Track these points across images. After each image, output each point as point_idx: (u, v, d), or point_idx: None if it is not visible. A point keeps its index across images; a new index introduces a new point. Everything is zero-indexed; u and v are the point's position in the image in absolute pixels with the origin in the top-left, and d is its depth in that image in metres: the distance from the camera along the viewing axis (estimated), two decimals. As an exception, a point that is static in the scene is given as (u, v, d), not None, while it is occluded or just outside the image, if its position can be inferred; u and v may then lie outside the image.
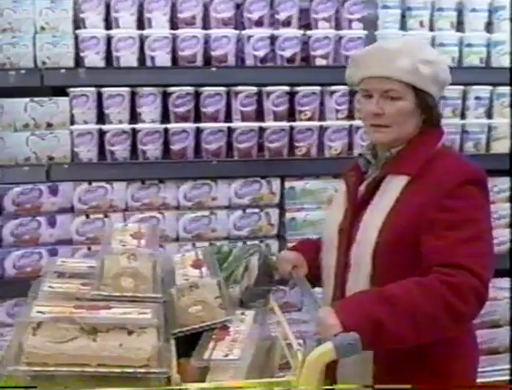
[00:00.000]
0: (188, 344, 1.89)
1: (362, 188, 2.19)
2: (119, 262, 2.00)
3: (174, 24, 3.36)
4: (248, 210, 3.45)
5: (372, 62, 2.11)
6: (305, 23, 3.48)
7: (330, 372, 2.11)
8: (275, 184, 3.46)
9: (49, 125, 3.27)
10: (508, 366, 3.63)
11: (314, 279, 2.30)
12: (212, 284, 2.02)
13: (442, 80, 2.14)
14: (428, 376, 2.05)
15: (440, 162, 2.08)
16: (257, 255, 2.30)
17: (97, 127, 3.30)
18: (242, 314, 2.05)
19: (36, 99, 3.26)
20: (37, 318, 1.75)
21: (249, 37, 3.37)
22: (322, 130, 3.47)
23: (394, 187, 2.08)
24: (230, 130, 3.38)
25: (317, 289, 2.30)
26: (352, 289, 2.07)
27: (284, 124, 3.43)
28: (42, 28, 3.26)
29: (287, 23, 3.44)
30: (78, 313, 1.78)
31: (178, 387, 1.68)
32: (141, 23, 3.34)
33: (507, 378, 3.56)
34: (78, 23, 3.30)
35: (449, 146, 2.22)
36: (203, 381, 1.75)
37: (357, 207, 2.16)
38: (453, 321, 1.89)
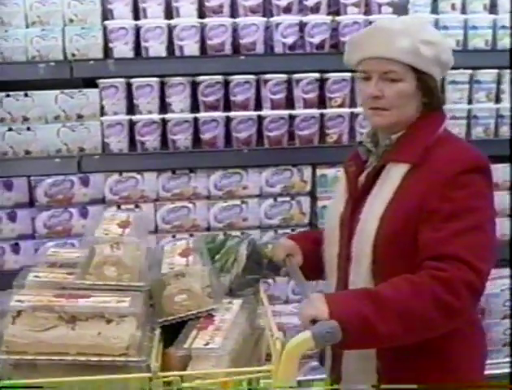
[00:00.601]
0: (176, 333, 1.87)
1: (362, 177, 2.12)
2: (102, 251, 1.98)
3: (202, 13, 3.35)
4: (279, 199, 3.43)
5: (371, 42, 2.04)
6: (334, 9, 3.45)
7: (336, 367, 2.12)
8: (307, 171, 3.44)
9: (79, 117, 3.30)
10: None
11: (309, 271, 2.23)
12: (198, 273, 1.99)
13: (444, 61, 2.05)
14: (433, 372, 1.99)
15: (441, 148, 2.00)
16: (245, 244, 2.25)
17: (127, 117, 3.31)
18: (229, 302, 2.01)
19: (66, 91, 3.28)
20: (15, 307, 1.75)
21: (278, 25, 3.34)
22: (353, 116, 3.43)
23: (394, 176, 2.01)
24: (260, 118, 3.36)
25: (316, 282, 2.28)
26: (354, 282, 2.03)
27: (315, 111, 3.40)
28: (71, 21, 3.29)
29: (315, 9, 3.41)
30: (57, 301, 1.77)
31: (146, 375, 1.66)
32: (168, 13, 3.35)
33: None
34: (106, 15, 3.32)
35: (450, 131, 2.12)
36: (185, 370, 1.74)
37: (357, 198, 2.10)
38: (446, 317, 1.83)
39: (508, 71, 3.51)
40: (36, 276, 1.99)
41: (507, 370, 3.33)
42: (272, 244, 2.41)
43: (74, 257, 2.14)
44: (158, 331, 1.87)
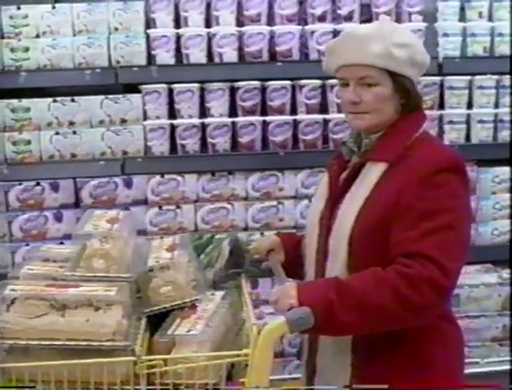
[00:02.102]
0: (162, 323, 1.98)
1: (343, 176, 2.15)
2: (92, 244, 2.08)
3: (240, 22, 3.48)
4: (314, 200, 3.53)
5: (345, 49, 2.06)
6: (367, 17, 3.57)
7: (311, 361, 2.17)
8: (340, 174, 3.54)
9: (123, 121, 3.43)
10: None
11: (291, 268, 2.27)
12: (183, 266, 2.08)
13: (420, 62, 2.07)
14: (408, 366, 2.01)
15: (418, 148, 2.03)
16: (228, 239, 2.34)
17: (169, 122, 3.44)
18: (212, 294, 2.11)
19: (110, 96, 3.42)
20: (9, 295, 1.87)
21: (313, 32, 3.47)
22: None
23: (372, 174, 2.03)
24: (296, 122, 3.48)
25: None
26: (330, 276, 2.03)
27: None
28: (116, 29, 3.43)
29: (349, 17, 3.54)
30: (48, 291, 1.88)
31: (130, 359, 1.76)
32: (208, 22, 3.48)
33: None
34: (149, 23, 3.46)
35: (429, 132, 2.16)
36: None
37: (336, 195, 2.12)
38: (407, 311, 1.86)
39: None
40: (29, 269, 2.11)
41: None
42: (256, 240, 2.49)
43: (66, 253, 2.25)
44: (144, 321, 1.98)
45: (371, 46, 2.01)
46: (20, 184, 3.39)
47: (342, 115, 3.40)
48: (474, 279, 3.57)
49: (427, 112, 2.19)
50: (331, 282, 1.92)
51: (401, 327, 1.93)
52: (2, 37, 3.41)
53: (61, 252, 2.30)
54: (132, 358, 1.76)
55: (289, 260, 2.33)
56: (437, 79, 3.54)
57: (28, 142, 3.38)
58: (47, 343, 1.78)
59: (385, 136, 2.08)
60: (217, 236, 2.44)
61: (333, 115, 3.51)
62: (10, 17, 3.40)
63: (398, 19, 3.56)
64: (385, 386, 1.78)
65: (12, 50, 3.39)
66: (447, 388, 2.08)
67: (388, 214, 1.96)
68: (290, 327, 1.79)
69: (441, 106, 3.59)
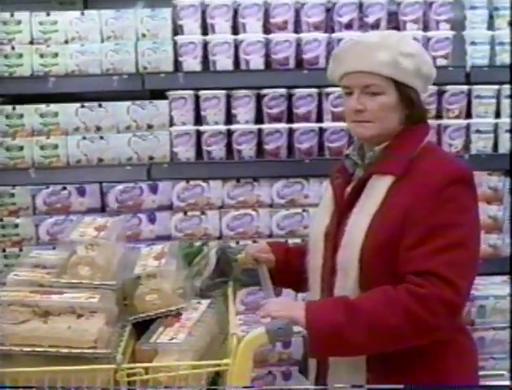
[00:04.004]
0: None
1: (349, 189, 2.12)
2: (78, 251, 2.08)
3: (267, 29, 3.49)
4: (339, 208, 3.52)
5: (351, 57, 2.04)
6: (394, 25, 3.55)
7: (321, 380, 2.13)
8: (365, 182, 3.53)
9: (149, 127, 3.45)
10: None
11: (280, 278, 2.28)
12: (170, 274, 2.08)
13: (426, 73, 2.05)
14: (425, 380, 1.98)
15: (425, 161, 2.00)
16: (216, 248, 2.33)
17: (195, 128, 3.45)
18: (198, 302, 2.10)
19: (137, 102, 3.44)
20: None
21: (339, 40, 3.45)
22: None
23: (379, 188, 2.00)
24: (321, 130, 3.48)
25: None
26: (340, 294, 2.01)
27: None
28: (143, 36, 3.46)
29: (376, 25, 3.52)
30: (32, 297, 1.89)
31: (110, 366, 1.75)
32: (235, 29, 3.49)
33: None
34: (176, 30, 3.48)
35: (434, 143, 2.15)
36: None
37: (342, 210, 2.09)
38: (419, 332, 1.86)
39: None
40: (15, 275, 2.12)
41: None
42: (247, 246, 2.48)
43: (55, 259, 2.24)
44: (128, 328, 1.98)
45: (378, 54, 2.00)
46: (47, 188, 3.42)
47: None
48: (500, 290, 3.53)
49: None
50: (340, 303, 1.91)
51: (410, 346, 1.91)
52: (32, 43, 3.45)
53: (50, 258, 2.29)
54: (113, 366, 1.75)
55: (279, 267, 2.32)
56: (465, 88, 3.51)
57: (56, 147, 3.42)
58: (29, 349, 1.79)
59: (390, 148, 2.06)
60: (207, 245, 2.44)
61: (359, 123, 3.49)
62: (40, 23, 3.44)
63: (426, 28, 3.55)
64: (400, 386, 1.84)
65: (41, 56, 3.43)
66: (459, 388, 2.04)
67: (397, 229, 1.93)
68: (270, 338, 1.78)
69: (468, 115, 3.56)
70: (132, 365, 1.80)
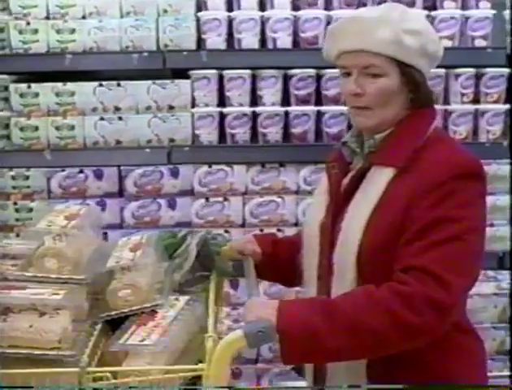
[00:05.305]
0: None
1: (346, 180, 1.92)
2: (44, 242, 1.92)
3: (295, 6, 3.33)
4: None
5: (349, 34, 1.83)
6: (430, 3, 3.39)
7: (319, 384, 1.94)
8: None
9: (170, 108, 3.31)
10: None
11: (266, 271, 2.13)
12: (147, 268, 1.92)
13: (432, 52, 1.85)
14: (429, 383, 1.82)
15: (430, 151, 1.80)
16: (196, 240, 2.14)
17: (218, 109, 3.31)
18: (176, 299, 1.92)
19: (158, 82, 3.30)
20: None
21: (372, 18, 3.28)
22: (446, 114, 3.34)
23: (379, 180, 1.81)
24: (351, 113, 3.31)
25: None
26: (338, 293, 1.83)
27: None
28: (165, 11, 3.30)
29: (411, 3, 3.34)
30: None
31: (72, 370, 1.60)
32: (262, 5, 3.33)
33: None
34: (200, 6, 3.32)
35: (442, 130, 1.94)
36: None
37: (339, 203, 1.90)
38: (404, 334, 1.67)
39: None
40: None
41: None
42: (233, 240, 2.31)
43: (25, 249, 2.06)
44: (99, 326, 1.82)
45: (379, 31, 1.79)
46: (63, 171, 3.29)
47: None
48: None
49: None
50: (317, 302, 1.74)
51: (401, 351, 1.72)
52: (48, 18, 3.31)
53: (21, 248, 2.11)
54: (76, 370, 1.59)
55: (265, 260, 2.15)
56: (505, 70, 3.32)
57: (72, 128, 3.28)
58: None
59: (392, 137, 1.86)
60: (191, 235, 2.22)
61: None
62: (57, -4, 3.29)
63: (464, 6, 3.37)
64: (400, 386, 1.66)
65: (58, 32, 3.28)
66: (459, 388, 1.85)
67: (398, 226, 1.76)
68: (249, 342, 1.60)
69: (508, 99, 3.37)
70: (98, 368, 1.64)
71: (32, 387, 1.60)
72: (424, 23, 1.90)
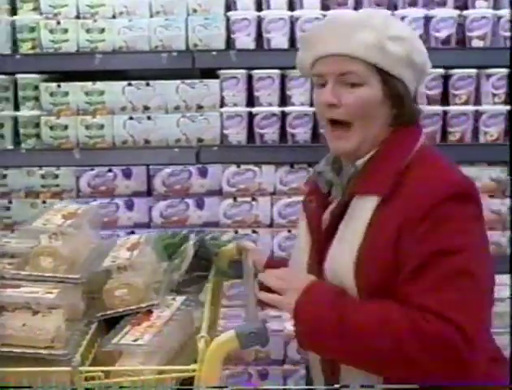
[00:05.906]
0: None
1: (326, 215, 1.75)
2: (41, 241, 1.90)
3: (325, 5, 3.30)
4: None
5: (325, 38, 1.66)
6: (462, 2, 3.35)
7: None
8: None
9: (199, 107, 3.30)
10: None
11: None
12: (144, 267, 1.90)
13: (417, 62, 1.68)
14: None
15: (416, 173, 1.63)
16: (193, 240, 2.11)
17: (247, 109, 3.29)
18: (173, 299, 1.90)
19: (187, 81, 3.29)
20: None
21: (403, 18, 3.23)
22: (477, 115, 3.30)
23: (362, 212, 1.64)
24: (381, 113, 3.27)
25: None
26: None
27: (438, 108, 3.29)
28: (194, 11, 3.29)
29: (442, 2, 3.32)
30: None
31: (64, 369, 1.58)
32: (292, 5, 3.31)
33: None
34: (229, 5, 3.31)
35: (430, 149, 1.75)
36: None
37: (321, 242, 1.72)
38: (404, 365, 1.55)
39: None
40: None
41: None
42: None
43: (23, 248, 2.02)
44: (94, 325, 1.81)
45: (360, 35, 1.63)
46: (92, 170, 3.30)
47: (432, 107, 3.27)
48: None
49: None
50: (339, 304, 1.61)
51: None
52: (78, 17, 3.31)
53: (19, 247, 2.06)
54: (67, 369, 1.58)
55: (268, 266, 2.01)
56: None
57: (101, 127, 3.28)
58: None
59: (374, 161, 1.68)
60: (191, 236, 2.21)
61: (423, 107, 3.20)
62: (87, -3, 3.30)
63: (496, 5, 3.33)
64: (415, 386, 1.56)
65: (87, 31, 3.29)
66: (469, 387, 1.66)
67: (390, 263, 1.60)
68: (241, 343, 1.57)
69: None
70: (91, 368, 1.63)
71: (25, 387, 1.59)
72: (410, 31, 1.76)
